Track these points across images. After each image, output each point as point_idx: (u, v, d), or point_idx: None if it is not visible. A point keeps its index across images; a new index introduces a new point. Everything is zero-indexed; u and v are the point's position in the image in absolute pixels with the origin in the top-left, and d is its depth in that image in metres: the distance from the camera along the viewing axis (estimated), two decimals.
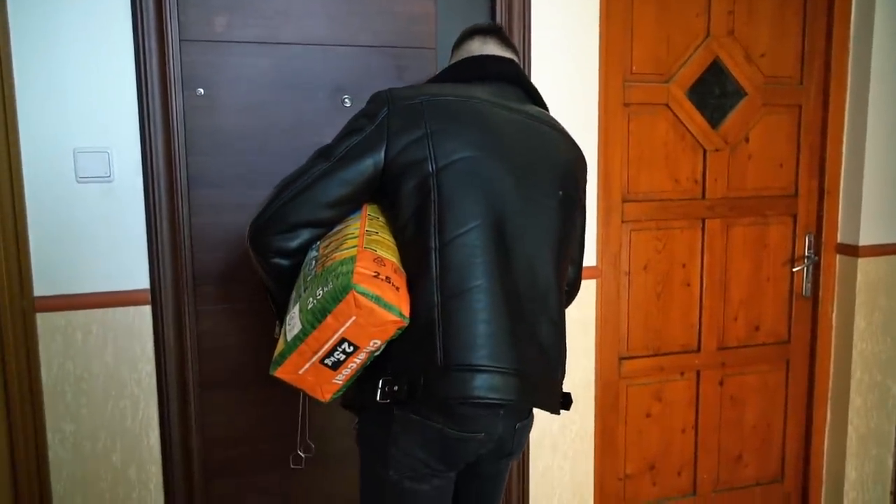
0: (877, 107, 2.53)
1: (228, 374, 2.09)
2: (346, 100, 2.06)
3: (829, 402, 2.76)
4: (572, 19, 2.26)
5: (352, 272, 1.14)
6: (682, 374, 2.63)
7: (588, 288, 2.41)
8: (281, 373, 1.22)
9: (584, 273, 2.33)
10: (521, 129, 1.39)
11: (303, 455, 1.70)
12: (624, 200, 2.46)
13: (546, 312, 1.36)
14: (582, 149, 1.56)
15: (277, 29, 2.01)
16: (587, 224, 2.35)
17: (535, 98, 1.52)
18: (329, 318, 1.15)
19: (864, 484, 2.75)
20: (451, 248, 1.24)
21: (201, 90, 1.97)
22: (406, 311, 1.20)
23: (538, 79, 2.23)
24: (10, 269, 1.83)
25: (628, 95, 2.40)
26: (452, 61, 1.57)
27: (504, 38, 1.56)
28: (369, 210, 1.34)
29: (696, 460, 2.69)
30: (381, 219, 1.33)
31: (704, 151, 2.53)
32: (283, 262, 1.33)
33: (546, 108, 1.55)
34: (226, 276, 2.05)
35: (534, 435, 2.38)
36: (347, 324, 1.15)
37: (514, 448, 1.41)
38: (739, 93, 2.54)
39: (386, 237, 1.30)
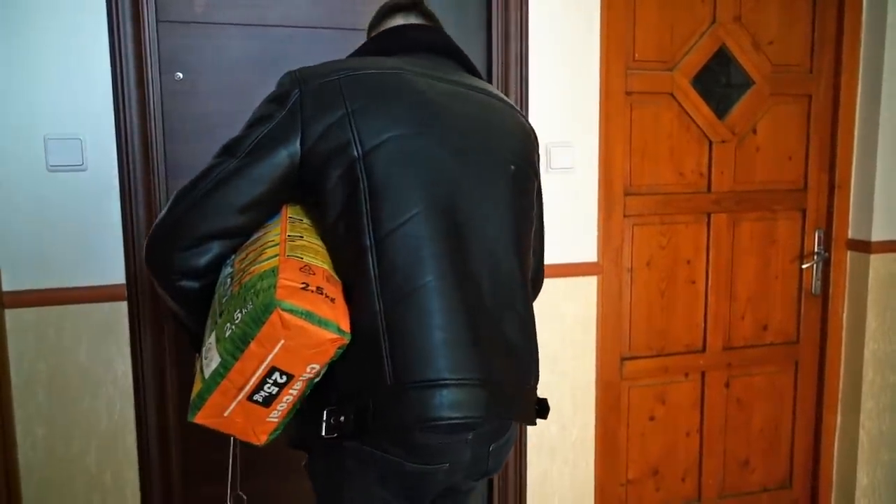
0: (890, 97, 2.43)
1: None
2: None
3: (839, 404, 2.66)
4: (573, 2, 2.16)
5: (274, 286, 0.95)
6: (686, 375, 2.53)
7: (589, 285, 2.31)
8: (202, 418, 1.02)
9: (584, 269, 2.28)
10: (461, 100, 1.20)
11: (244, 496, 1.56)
12: (626, 194, 2.36)
13: (512, 307, 1.17)
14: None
15: (261, 10, 1.92)
16: (589, 217, 2.27)
17: (471, 70, 1.32)
18: (252, 346, 0.96)
19: (876, 490, 2.64)
20: (391, 243, 1.06)
21: (180, 74, 1.87)
22: (345, 326, 1.01)
23: (535, 65, 2.13)
24: None
25: (630, 84, 2.31)
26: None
27: (427, 13, 1.36)
28: (290, 212, 1.15)
29: (701, 465, 2.59)
30: (305, 221, 1.14)
31: (710, 143, 2.43)
32: (192, 284, 1.11)
33: (480, 77, 1.34)
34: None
35: (531, 439, 2.28)
36: (275, 349, 0.96)
37: (491, 468, 1.22)
38: (747, 82, 2.44)
39: (313, 241, 1.11)
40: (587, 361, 2.33)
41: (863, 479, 2.61)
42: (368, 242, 1.06)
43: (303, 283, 0.99)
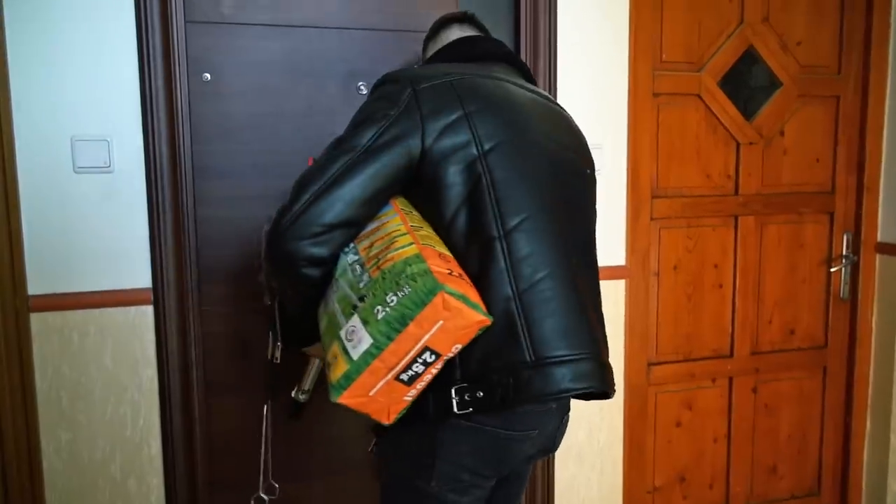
0: None
1: (236, 378, 1.96)
2: (362, 86, 1.93)
3: (868, 410, 2.62)
4: (601, 2, 2.14)
5: (429, 272, 1.03)
6: (713, 380, 2.50)
7: (616, 289, 2.27)
8: (347, 398, 1.06)
9: (611, 273, 2.25)
10: (540, 108, 1.34)
11: (265, 498, 1.56)
12: (653, 196, 2.33)
13: (598, 293, 1.34)
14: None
15: (289, 11, 1.89)
16: (617, 220, 2.25)
17: (528, 76, 1.45)
18: (411, 327, 1.03)
19: None
20: (517, 236, 1.16)
21: (208, 75, 1.84)
22: (486, 307, 1.11)
23: (564, 67, 2.11)
24: (2, 266, 1.72)
25: (658, 85, 2.28)
26: (436, 48, 1.48)
27: (479, 25, 1.51)
28: (400, 204, 1.21)
29: (729, 472, 2.55)
30: (415, 212, 1.21)
31: (738, 145, 2.40)
32: (315, 272, 1.17)
33: (536, 85, 1.49)
34: (233, 274, 1.92)
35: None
36: (433, 330, 1.03)
37: (556, 444, 1.38)
38: (774, 83, 2.41)
39: (429, 231, 1.18)
40: (615, 366, 2.28)
41: (893, 486, 2.57)
42: (497, 233, 1.15)
43: (448, 269, 1.07)
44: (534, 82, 1.45)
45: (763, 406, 2.57)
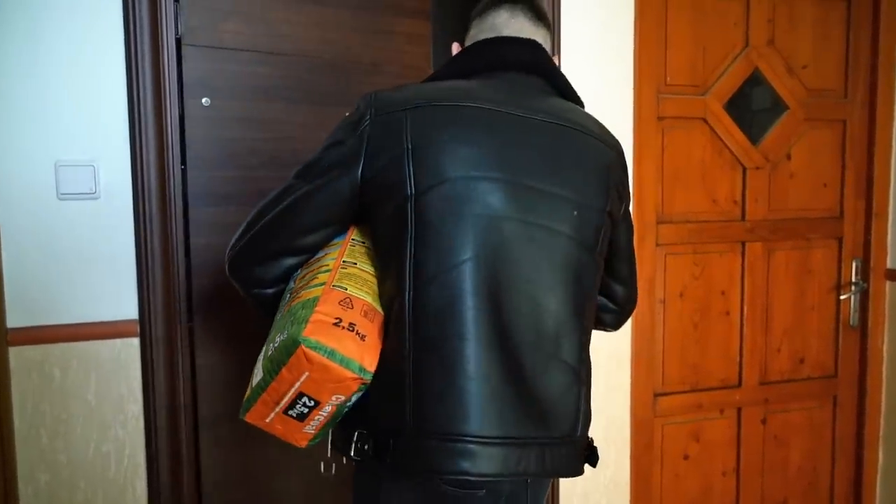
0: None
1: (230, 410, 1.86)
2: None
3: (881, 441, 2.54)
4: (604, 24, 2.09)
5: (306, 321, 1.02)
6: (721, 411, 2.42)
7: None
8: (250, 419, 1.12)
9: None
10: (531, 133, 1.14)
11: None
12: (658, 222, 2.26)
13: (557, 358, 1.13)
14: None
15: (294, 40, 1.88)
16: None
17: (562, 89, 1.26)
18: (284, 371, 1.04)
19: None
20: (431, 290, 1.06)
21: (207, 99, 1.78)
22: (370, 364, 1.05)
23: None
24: None
25: (662, 108, 2.22)
26: (467, 42, 1.32)
27: (537, 11, 1.28)
28: (355, 234, 1.19)
29: None
30: (366, 244, 1.19)
31: (744, 170, 2.35)
32: (265, 291, 1.20)
33: (578, 102, 1.28)
34: (228, 304, 1.83)
35: (563, 481, 2.15)
36: (302, 379, 1.03)
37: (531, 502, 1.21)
38: (780, 107, 2.36)
39: (365, 268, 1.15)
40: (621, 397, 2.22)
41: None
42: (406, 286, 1.06)
43: (336, 318, 1.03)
44: (569, 94, 1.26)
45: (773, 437, 2.48)
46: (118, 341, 1.77)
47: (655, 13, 2.17)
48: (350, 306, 1.06)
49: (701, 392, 2.38)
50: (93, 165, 1.72)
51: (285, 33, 1.87)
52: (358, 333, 1.04)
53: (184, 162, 1.78)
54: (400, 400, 1.06)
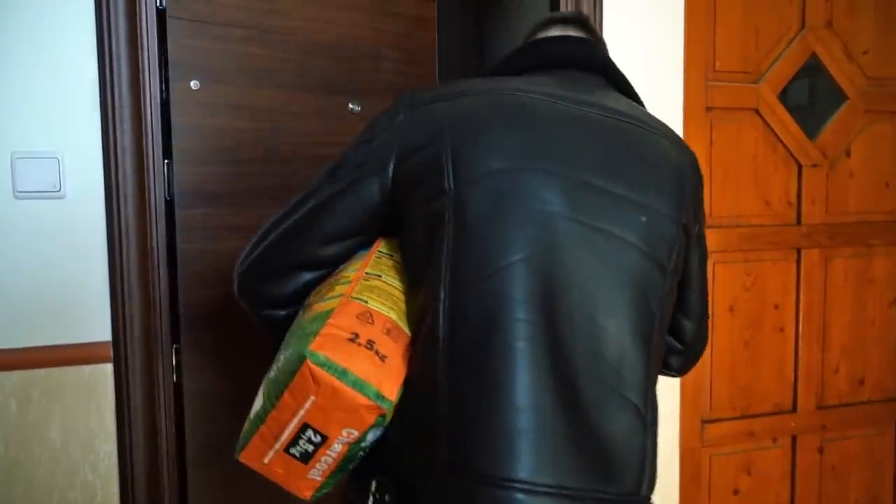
0: None
1: (225, 446, 1.59)
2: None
3: None
4: (653, 5, 1.86)
5: (315, 334, 0.88)
6: (774, 440, 2.18)
7: None
8: (245, 458, 0.96)
9: None
10: (591, 127, 1.00)
11: None
12: (707, 227, 2.00)
13: (619, 393, 0.94)
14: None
15: (297, 20, 1.65)
16: None
17: (622, 88, 1.12)
18: (286, 395, 0.89)
19: None
20: (471, 297, 0.90)
21: (196, 83, 1.53)
22: (390, 391, 0.89)
23: None
24: None
25: (711, 98, 1.99)
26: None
27: (590, 29, 1.17)
28: (381, 245, 1.05)
29: None
30: (395, 257, 1.04)
31: (799, 167, 2.12)
32: (277, 312, 1.05)
33: (640, 102, 1.13)
34: (222, 319, 1.59)
35: None
36: (306, 405, 0.88)
37: None
38: (839, 97, 2.13)
39: (392, 282, 1.00)
40: (671, 425, 1.98)
41: None
42: (441, 293, 0.90)
43: (353, 333, 0.89)
44: (631, 94, 1.12)
45: (830, 468, 2.25)
46: (87, 367, 1.53)
47: None
48: (370, 321, 0.91)
49: (752, 418, 2.16)
50: (57, 157, 1.49)
51: (281, 9, 1.65)
52: (377, 353, 0.89)
53: (169, 155, 1.53)
54: (431, 432, 0.89)
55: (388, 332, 0.92)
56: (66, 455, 1.52)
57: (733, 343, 2.11)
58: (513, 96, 0.99)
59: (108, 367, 1.53)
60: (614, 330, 0.94)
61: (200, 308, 1.59)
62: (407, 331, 0.94)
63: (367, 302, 0.93)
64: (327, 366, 0.85)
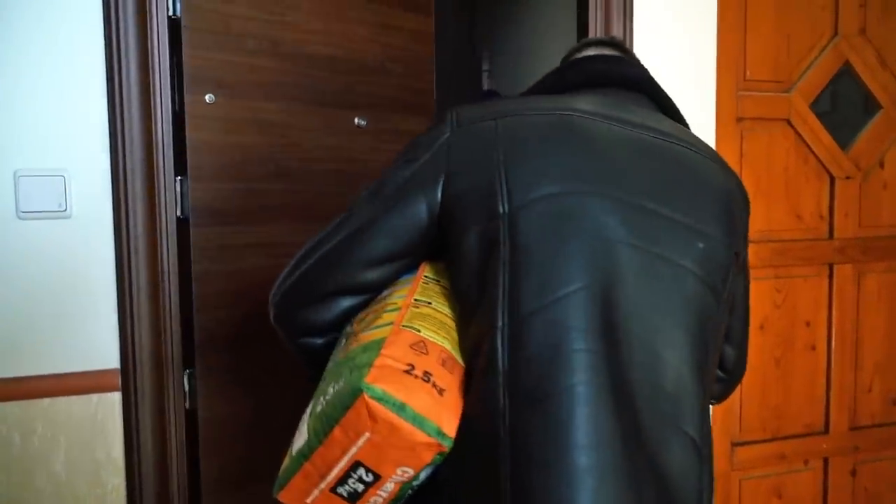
0: None
1: (241, 477, 1.53)
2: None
3: None
4: (683, 11, 1.79)
5: (369, 365, 0.82)
6: (805, 462, 2.10)
7: None
8: (285, 497, 0.90)
9: None
10: (645, 150, 0.98)
11: None
12: None
13: (678, 426, 0.90)
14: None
15: (316, 35, 1.61)
16: None
17: (668, 110, 1.09)
18: (336, 431, 0.83)
19: None
20: (529, 328, 0.85)
21: (212, 96, 1.46)
22: (449, 427, 0.84)
23: None
24: None
25: (742, 108, 1.92)
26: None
27: (626, 51, 1.16)
28: (428, 269, 1.01)
29: None
30: (442, 282, 1.00)
31: (832, 179, 2.04)
32: (315, 341, 1.01)
33: (685, 123, 1.10)
34: (239, 341, 1.53)
35: None
36: (360, 441, 0.83)
37: None
38: (872, 106, 2.06)
39: (443, 309, 0.95)
40: None
41: None
42: (500, 322, 0.85)
43: (409, 364, 0.83)
44: (675, 115, 1.09)
45: (863, 491, 2.18)
46: (94, 397, 1.46)
47: None
48: (424, 351, 0.86)
49: (783, 440, 2.09)
50: (62, 175, 1.43)
51: (292, 22, 1.60)
52: (435, 385, 0.84)
53: (183, 171, 1.45)
54: (493, 476, 0.83)
55: (444, 363, 0.88)
56: (71, 489, 1.44)
57: (764, 362, 2.03)
58: (571, 117, 0.96)
59: (116, 396, 1.46)
60: (673, 360, 0.90)
61: (215, 330, 1.51)
62: (461, 361, 0.89)
63: (419, 331, 0.89)
64: (385, 400, 0.80)
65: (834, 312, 2.09)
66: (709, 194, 0.99)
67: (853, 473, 2.15)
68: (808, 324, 2.07)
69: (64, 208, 1.41)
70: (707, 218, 0.97)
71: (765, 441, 2.06)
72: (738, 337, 1.13)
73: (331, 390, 0.86)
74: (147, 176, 1.42)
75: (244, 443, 1.54)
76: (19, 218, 1.39)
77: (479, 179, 0.91)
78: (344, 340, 0.96)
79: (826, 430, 2.11)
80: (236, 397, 1.55)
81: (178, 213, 1.46)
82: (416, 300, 0.94)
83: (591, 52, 1.14)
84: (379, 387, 0.80)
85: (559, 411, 0.83)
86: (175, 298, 1.47)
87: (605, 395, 0.84)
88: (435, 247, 0.98)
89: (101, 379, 1.44)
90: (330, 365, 0.93)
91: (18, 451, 1.40)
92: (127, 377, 1.44)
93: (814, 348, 2.09)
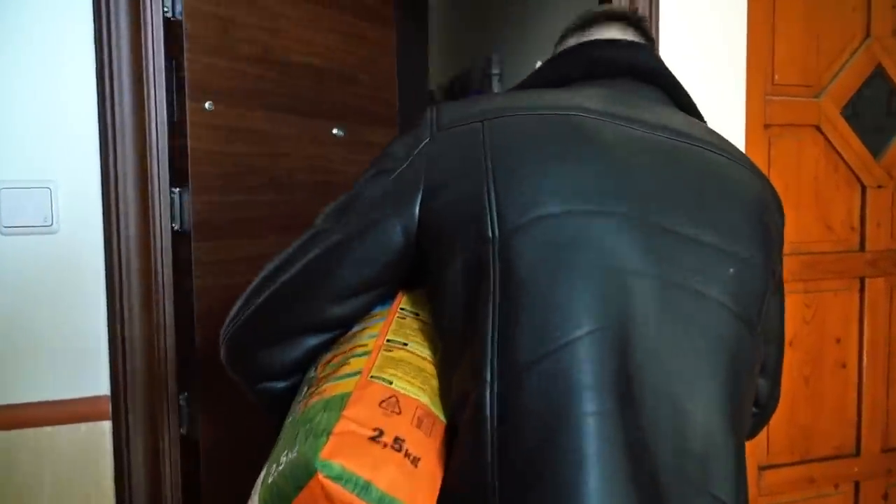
0: None
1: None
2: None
3: None
4: (712, 13, 1.71)
5: (327, 433, 0.70)
6: (836, 486, 2.01)
7: None
8: None
9: None
10: (661, 157, 0.83)
11: None
12: None
13: (707, 492, 0.77)
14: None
15: (282, 36, 1.55)
16: None
17: (685, 108, 0.95)
18: None
19: None
20: (528, 383, 0.72)
21: (210, 104, 1.38)
22: None
23: None
24: None
25: (770, 114, 1.84)
26: (554, 54, 1.02)
27: (643, 31, 1.01)
28: (404, 301, 0.88)
29: None
30: (421, 316, 0.87)
31: (863, 188, 1.95)
32: (276, 385, 0.88)
33: (701, 118, 0.96)
34: None
35: None
36: None
37: None
38: None
39: (419, 350, 0.82)
40: None
41: None
42: (488, 375, 0.71)
43: (375, 429, 0.71)
44: (691, 110, 0.95)
45: None
46: (83, 426, 1.37)
47: None
48: (397, 410, 0.74)
49: (812, 463, 1.99)
50: (48, 187, 1.34)
51: (283, 29, 1.55)
52: (408, 455, 0.72)
53: (180, 182, 1.37)
54: None
55: (420, 424, 0.75)
56: None
57: (793, 381, 1.94)
58: (571, 117, 0.81)
59: (107, 425, 1.37)
60: (700, 415, 0.77)
61: (213, 349, 1.42)
62: (442, 417, 0.76)
63: (391, 382, 0.76)
64: (344, 479, 0.68)
65: (865, 328, 2.00)
66: (740, 206, 0.85)
67: (885, 498, 2.06)
68: (838, 340, 1.98)
69: (50, 223, 1.33)
70: (739, 235, 0.83)
71: (793, 464, 1.96)
72: (773, 366, 0.99)
73: (283, 459, 0.74)
74: (140, 187, 1.33)
75: (246, 468, 1.45)
76: (2, 234, 1.30)
77: (463, 195, 0.78)
78: (306, 388, 0.83)
79: (857, 453, 2.02)
80: (236, 421, 1.45)
81: (174, 226, 1.37)
82: (388, 341, 0.81)
83: (595, 33, 0.98)
84: (338, 463, 0.68)
85: (563, 483, 0.70)
86: (170, 317, 1.39)
87: (618, 464, 0.72)
88: (413, 273, 0.85)
89: (91, 406, 1.36)
90: (288, 419, 0.80)
91: (2, 482, 1.31)
92: (118, 405, 1.35)
93: (844, 366, 2.00)
